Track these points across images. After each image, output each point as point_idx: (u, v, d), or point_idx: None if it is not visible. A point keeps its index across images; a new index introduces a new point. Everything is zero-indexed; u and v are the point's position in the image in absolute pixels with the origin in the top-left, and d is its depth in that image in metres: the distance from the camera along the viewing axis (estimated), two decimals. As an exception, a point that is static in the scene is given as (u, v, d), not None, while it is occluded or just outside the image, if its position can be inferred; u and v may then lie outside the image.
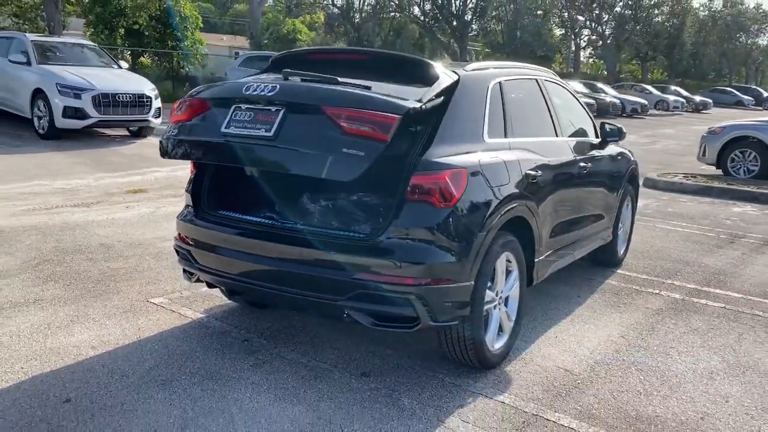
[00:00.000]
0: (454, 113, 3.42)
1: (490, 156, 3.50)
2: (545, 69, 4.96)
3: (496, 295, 3.61)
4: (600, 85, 32.58)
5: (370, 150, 2.94)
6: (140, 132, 12.68)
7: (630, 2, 46.84)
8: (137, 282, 4.84)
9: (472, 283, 3.28)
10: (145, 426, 2.94)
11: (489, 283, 3.53)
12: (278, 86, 3.25)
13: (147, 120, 12.07)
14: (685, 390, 3.56)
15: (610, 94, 30.32)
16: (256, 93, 3.24)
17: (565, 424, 3.13)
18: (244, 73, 15.29)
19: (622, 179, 5.53)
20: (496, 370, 3.65)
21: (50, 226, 6.25)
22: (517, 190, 3.62)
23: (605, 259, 5.75)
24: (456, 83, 3.52)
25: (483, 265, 3.34)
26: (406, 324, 3.16)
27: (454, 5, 36.75)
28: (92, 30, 22.42)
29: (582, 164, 4.61)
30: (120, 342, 3.82)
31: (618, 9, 46.88)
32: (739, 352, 4.10)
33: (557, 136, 4.48)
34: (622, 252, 5.96)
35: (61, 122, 11.15)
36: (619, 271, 5.77)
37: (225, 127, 3.28)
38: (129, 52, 22.82)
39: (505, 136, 3.79)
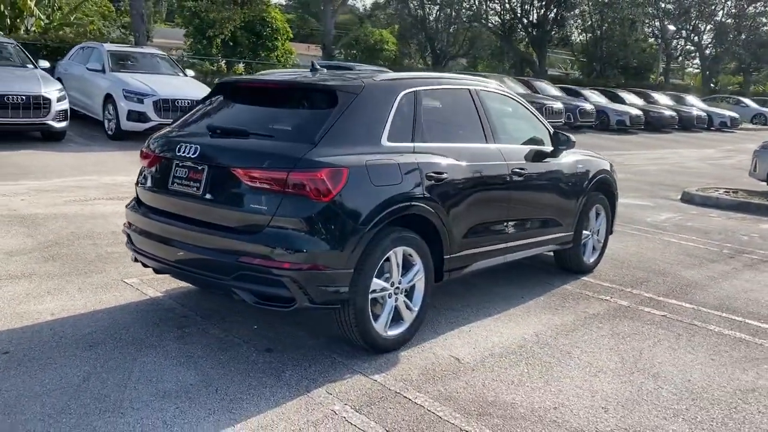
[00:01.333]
0: (350, 118, 3.80)
1: (381, 158, 3.84)
2: (489, 80, 5.21)
3: (391, 285, 3.94)
4: (689, 97, 31.37)
5: (272, 202, 3.55)
6: (200, 135, 13.66)
7: (733, 10, 44.65)
8: (122, 264, 5.49)
9: (351, 271, 3.64)
10: (56, 375, 3.51)
11: (387, 274, 3.89)
12: (199, 147, 3.83)
13: (204, 124, 13.00)
14: (559, 384, 3.75)
15: (696, 107, 29.17)
16: (184, 155, 3.87)
17: (419, 403, 3.43)
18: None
19: (584, 186, 5.64)
20: (389, 354, 3.97)
21: (78, 215, 7.06)
22: (413, 190, 3.93)
23: (569, 265, 5.88)
24: (358, 92, 3.90)
25: (365, 255, 3.69)
26: (284, 304, 3.57)
27: (533, 15, 36.43)
28: (191, 40, 24.11)
29: (517, 169, 4.83)
30: (77, 311, 4.43)
31: (718, 18, 44.73)
32: (643, 356, 4.21)
33: (487, 142, 4.72)
34: (592, 260, 6.05)
35: (126, 125, 12.25)
36: (584, 278, 5.88)
37: (171, 184, 3.97)
38: (224, 62, 24.36)
39: (412, 141, 4.11)
